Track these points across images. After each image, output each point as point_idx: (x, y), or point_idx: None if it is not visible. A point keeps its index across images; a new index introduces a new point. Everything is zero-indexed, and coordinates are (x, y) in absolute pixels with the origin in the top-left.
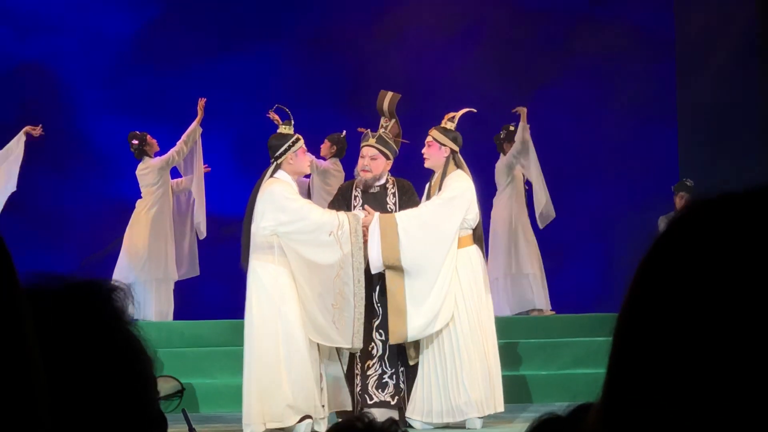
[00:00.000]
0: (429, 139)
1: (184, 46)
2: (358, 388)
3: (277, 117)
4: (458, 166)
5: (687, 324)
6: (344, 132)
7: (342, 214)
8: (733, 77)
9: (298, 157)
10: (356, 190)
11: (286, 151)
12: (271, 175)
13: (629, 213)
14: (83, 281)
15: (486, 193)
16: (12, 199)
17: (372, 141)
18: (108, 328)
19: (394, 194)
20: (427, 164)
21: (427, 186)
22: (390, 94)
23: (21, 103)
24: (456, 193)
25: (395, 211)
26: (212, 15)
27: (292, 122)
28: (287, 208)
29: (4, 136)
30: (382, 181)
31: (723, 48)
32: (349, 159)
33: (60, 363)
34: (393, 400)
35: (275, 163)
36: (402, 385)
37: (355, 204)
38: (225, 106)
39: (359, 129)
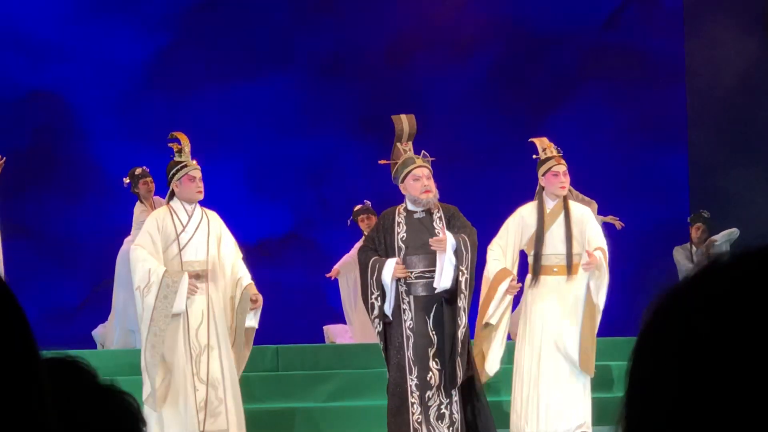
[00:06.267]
0: (564, 168)
1: (196, 73)
2: (415, 418)
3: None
4: None
5: (701, 373)
6: None
7: (157, 275)
8: (744, 101)
9: (182, 184)
10: (399, 216)
11: (171, 178)
12: (167, 202)
13: (642, 238)
14: (50, 357)
15: (498, 216)
16: (23, 227)
17: (421, 161)
18: (95, 390)
19: (440, 218)
20: (565, 192)
21: (531, 211)
22: (405, 116)
23: (33, 130)
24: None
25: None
26: (224, 41)
27: (183, 149)
28: (134, 248)
29: (16, 163)
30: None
31: (733, 72)
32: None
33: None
34: (449, 431)
35: (170, 189)
36: (456, 415)
37: (399, 231)
38: (237, 132)
39: (380, 161)
